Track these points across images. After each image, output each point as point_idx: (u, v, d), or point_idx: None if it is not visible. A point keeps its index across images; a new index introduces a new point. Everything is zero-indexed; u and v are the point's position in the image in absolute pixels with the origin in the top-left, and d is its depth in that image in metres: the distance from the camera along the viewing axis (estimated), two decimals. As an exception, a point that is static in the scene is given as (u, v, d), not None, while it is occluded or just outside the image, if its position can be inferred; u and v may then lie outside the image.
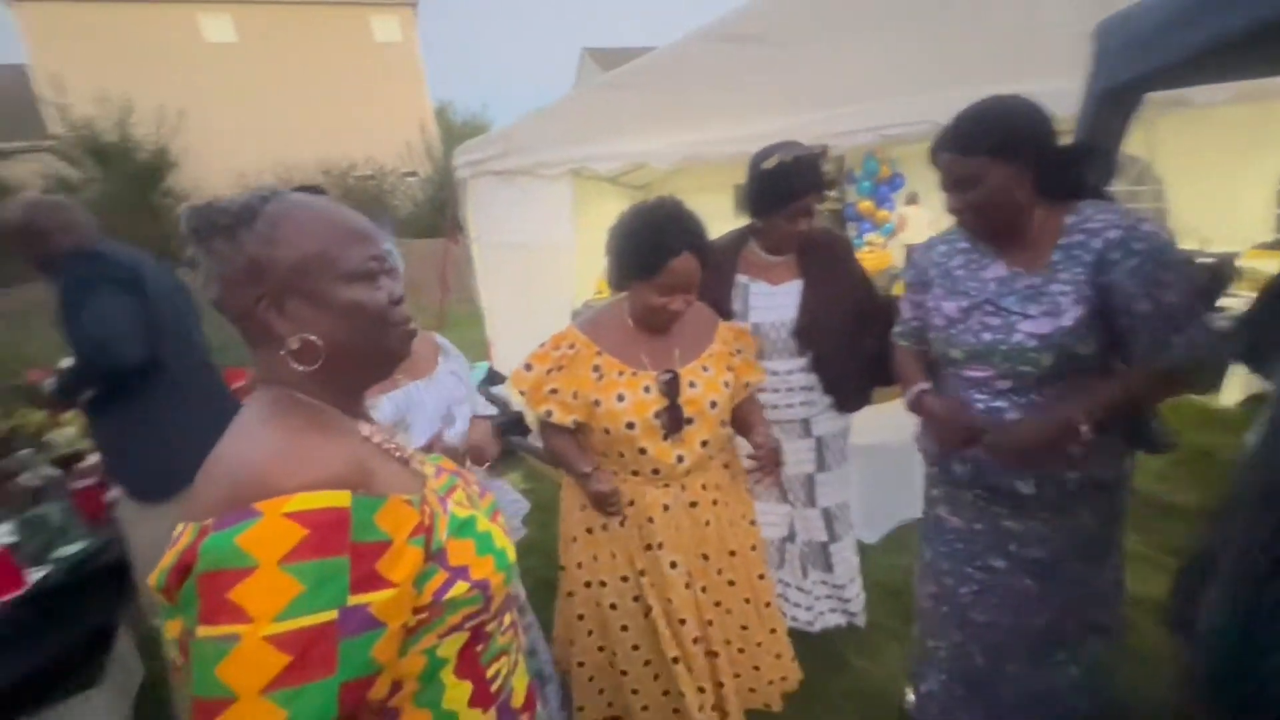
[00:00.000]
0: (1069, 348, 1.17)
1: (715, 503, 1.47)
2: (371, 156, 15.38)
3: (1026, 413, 1.24)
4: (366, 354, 0.68)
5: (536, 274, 3.49)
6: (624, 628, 1.46)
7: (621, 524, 1.42)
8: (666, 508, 1.41)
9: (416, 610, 0.61)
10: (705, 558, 1.46)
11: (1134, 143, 1.74)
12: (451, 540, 0.65)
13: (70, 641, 1.67)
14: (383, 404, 1.25)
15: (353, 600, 0.53)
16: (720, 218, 5.90)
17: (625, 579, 1.44)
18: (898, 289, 4.34)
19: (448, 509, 0.68)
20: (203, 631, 0.50)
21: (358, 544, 0.55)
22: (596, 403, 1.37)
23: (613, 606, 1.45)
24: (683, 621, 1.41)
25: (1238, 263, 3.55)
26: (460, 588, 0.64)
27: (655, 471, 1.40)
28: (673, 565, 1.41)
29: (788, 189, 1.63)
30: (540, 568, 2.30)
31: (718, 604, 1.49)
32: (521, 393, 1.44)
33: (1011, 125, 1.17)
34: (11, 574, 1.56)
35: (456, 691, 0.66)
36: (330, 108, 16.09)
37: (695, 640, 1.42)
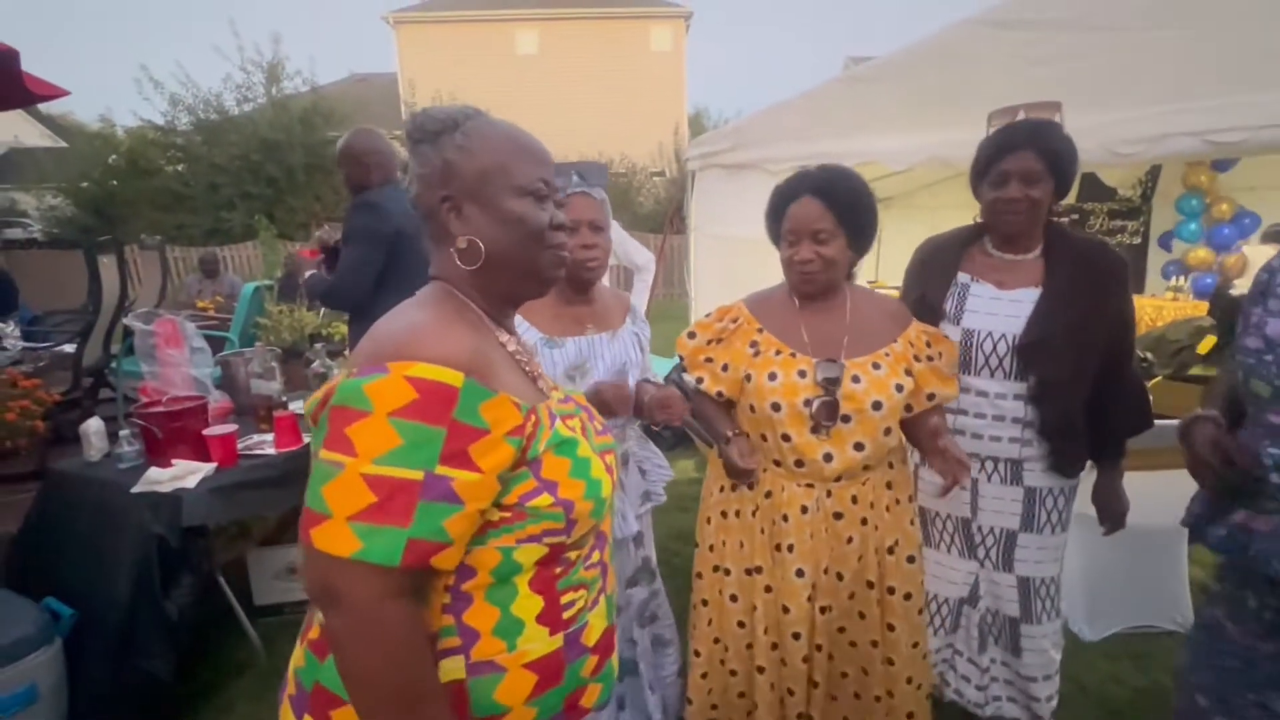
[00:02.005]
0: None
1: (864, 522, 1.33)
2: (627, 155, 16.79)
3: None
4: (520, 266, 0.75)
5: (747, 267, 3.42)
6: (740, 624, 1.39)
7: (754, 514, 1.36)
8: (805, 510, 1.31)
9: (501, 507, 0.66)
10: (840, 577, 1.33)
11: None
12: (548, 454, 0.69)
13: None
14: (568, 345, 1.34)
15: (440, 470, 0.59)
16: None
17: (749, 572, 1.37)
18: (1203, 346, 3.39)
19: (555, 426, 0.72)
20: (323, 454, 0.60)
21: (458, 422, 0.61)
22: (748, 377, 1.33)
23: (733, 598, 1.39)
24: (796, 636, 1.31)
25: None
26: (544, 499, 0.67)
27: (799, 464, 1.31)
28: (799, 573, 1.31)
29: (995, 145, 1.42)
30: (687, 552, 2.30)
31: (841, 630, 1.34)
32: (681, 357, 1.45)
33: None
34: (295, 434, 2.07)
35: (527, 603, 0.69)
36: (601, 110, 17.92)
37: (804, 660, 1.31)
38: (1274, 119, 1.95)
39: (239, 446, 1.98)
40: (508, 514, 0.66)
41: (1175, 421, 1.13)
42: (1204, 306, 5.33)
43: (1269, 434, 0.98)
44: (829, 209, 1.25)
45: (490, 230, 0.72)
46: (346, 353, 2.27)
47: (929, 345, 1.35)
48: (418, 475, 0.58)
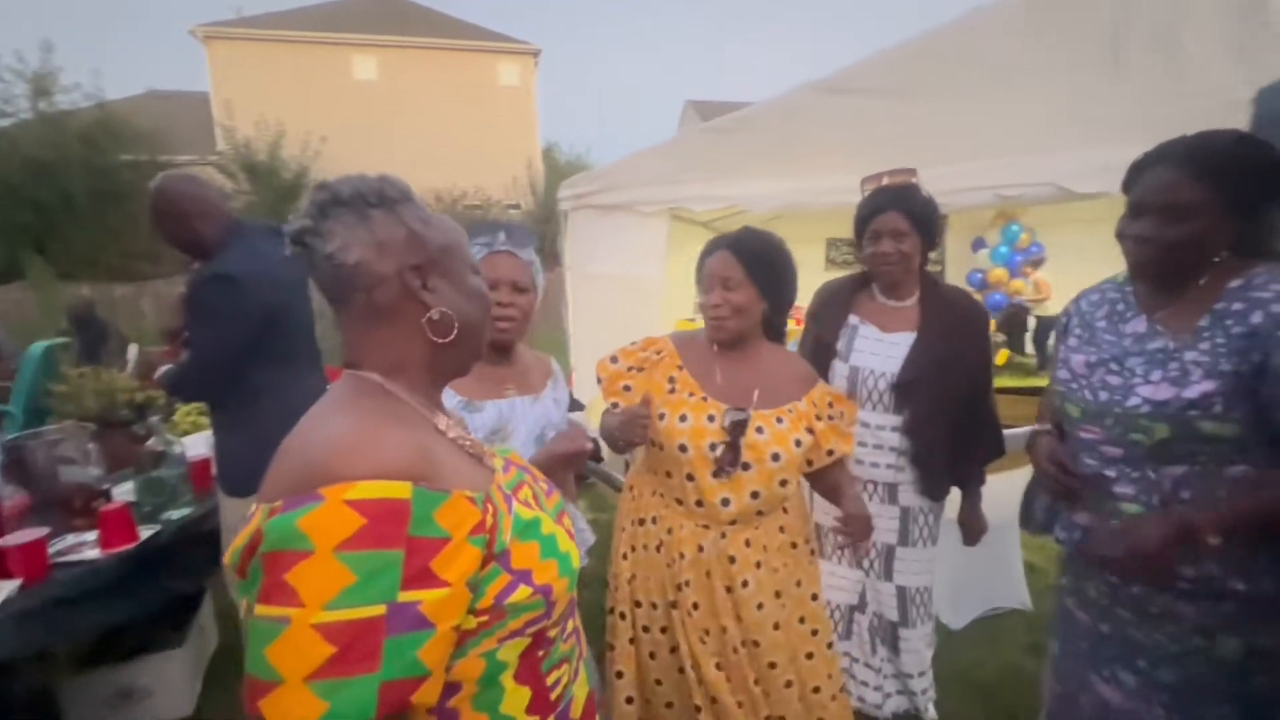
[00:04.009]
0: (1191, 424, 1.02)
1: (758, 565, 1.37)
2: (480, 188, 16.50)
3: (1138, 488, 1.10)
4: (479, 338, 0.75)
5: (624, 306, 3.55)
6: (651, 655, 1.40)
7: (659, 549, 1.39)
8: (701, 549, 1.35)
9: (477, 613, 0.60)
10: (739, 619, 1.36)
11: None
12: (515, 542, 0.64)
13: (165, 599, 1.79)
14: (487, 408, 1.27)
15: (403, 597, 0.53)
16: (812, 268, 5.87)
17: (656, 606, 1.39)
18: (1000, 358, 4.05)
19: (513, 509, 0.67)
20: (260, 610, 0.52)
21: (414, 538, 0.55)
22: (661, 415, 1.36)
23: (645, 629, 1.41)
24: (719, 666, 1.35)
25: None
26: (523, 592, 0.63)
27: (699, 504, 1.35)
28: (694, 607, 1.35)
29: (869, 207, 1.63)
30: (601, 599, 2.26)
31: (728, 677, 1.37)
32: (599, 379, 1.46)
33: (1263, 171, 1.01)
34: (128, 528, 1.72)
35: (515, 697, 0.64)
36: (449, 142, 17.46)
37: (713, 701, 1.35)
38: (1047, 178, 2.44)
39: (50, 554, 1.61)
40: (485, 618, 0.61)
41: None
42: (992, 323, 6.43)
43: (1083, 447, 1.19)
44: (739, 260, 1.34)
45: (458, 303, 0.71)
46: (212, 441, 1.88)
47: (831, 405, 1.44)
48: (379, 611, 0.52)
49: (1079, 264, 2.20)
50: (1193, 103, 2.21)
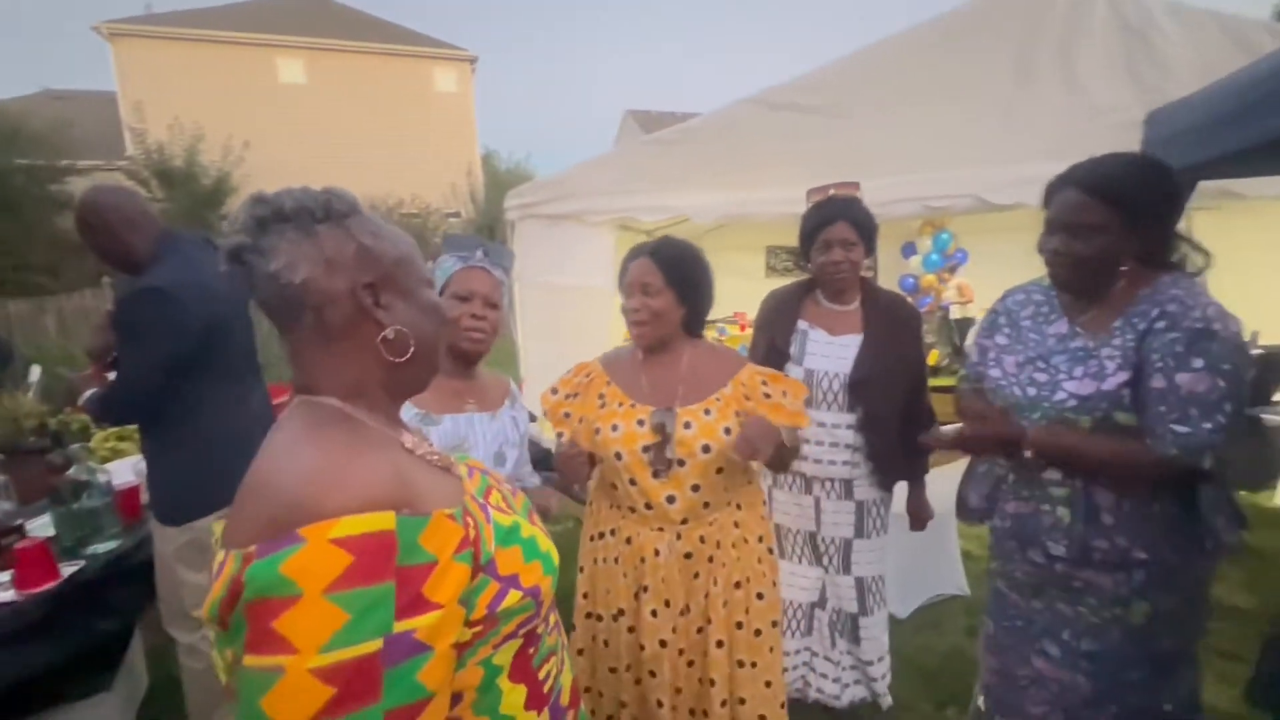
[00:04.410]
0: (1109, 414, 1.15)
1: (711, 560, 1.39)
2: (418, 196, 16.08)
3: (1062, 474, 1.22)
4: (434, 354, 0.73)
5: (573, 316, 3.56)
6: (611, 669, 1.42)
7: (617, 560, 1.41)
8: (658, 552, 1.38)
9: (471, 625, 0.60)
10: (687, 610, 1.39)
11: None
12: (499, 550, 0.64)
13: (92, 640, 1.67)
14: (445, 422, 1.26)
15: (398, 627, 0.52)
16: (752, 275, 6.04)
17: (616, 617, 1.41)
18: (931, 358, 4.26)
19: (490, 517, 0.67)
20: (249, 661, 0.50)
21: (403, 568, 0.54)
22: (596, 430, 1.40)
23: (605, 643, 1.42)
24: (652, 674, 1.36)
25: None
26: (513, 597, 0.63)
27: (648, 507, 1.38)
28: (653, 614, 1.37)
29: (819, 218, 1.72)
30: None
31: (690, 664, 1.40)
32: (545, 413, 1.49)
33: (1156, 189, 1.12)
34: (47, 565, 1.59)
35: (513, 696, 0.65)
36: (385, 148, 16.95)
37: (659, 704, 1.37)
38: (968, 190, 2.62)
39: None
40: (479, 628, 0.61)
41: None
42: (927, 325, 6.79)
43: None
44: (658, 267, 1.39)
45: (413, 319, 0.68)
46: (142, 467, 1.75)
47: (765, 384, 1.46)
48: (376, 646, 0.51)
49: (1000, 269, 2.38)
50: (1092, 122, 2.44)
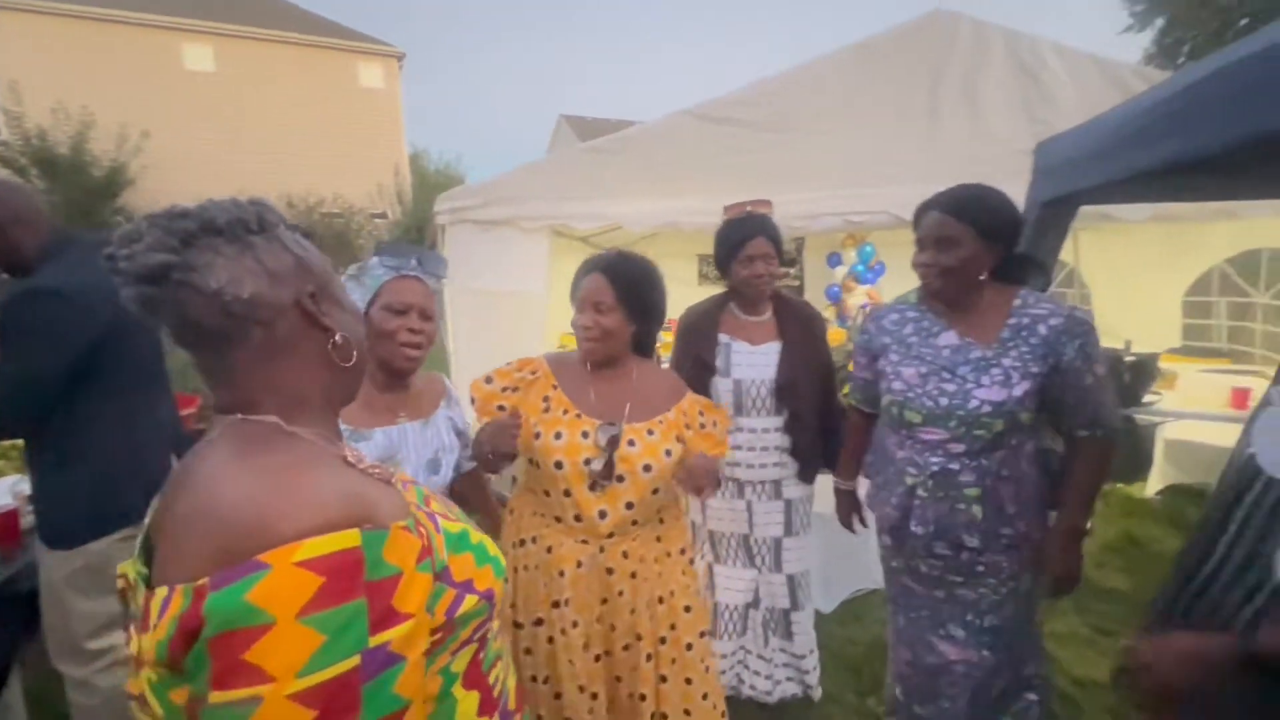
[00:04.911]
0: (1015, 415, 1.31)
1: (634, 575, 1.40)
2: (341, 194, 15.37)
3: (977, 475, 1.34)
4: (366, 360, 0.73)
5: (506, 322, 3.52)
6: (533, 678, 1.40)
7: (536, 569, 1.40)
8: (580, 564, 1.38)
9: (432, 632, 0.60)
10: (613, 628, 1.39)
11: (1064, 249, 1.96)
12: (452, 557, 0.65)
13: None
14: (376, 436, 1.21)
15: (373, 641, 0.52)
16: (685, 282, 6.17)
17: (536, 624, 1.40)
18: (851, 365, 4.50)
19: (439, 525, 0.67)
20: (218, 697, 0.48)
21: (373, 583, 0.53)
22: (537, 434, 1.38)
23: (527, 652, 1.41)
24: (581, 689, 1.35)
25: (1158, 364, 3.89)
26: (470, 601, 0.63)
27: (577, 519, 1.38)
28: (574, 624, 1.36)
29: (740, 234, 1.80)
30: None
31: (618, 679, 1.41)
32: (473, 400, 1.45)
33: (1001, 212, 1.35)
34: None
35: (467, 703, 0.65)
36: (304, 144, 16.13)
37: (589, 712, 1.37)
38: (884, 207, 2.79)
39: None
40: (439, 635, 0.60)
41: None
42: (842, 334, 7.16)
43: (928, 447, 1.40)
44: (611, 285, 1.39)
45: (349, 324, 0.69)
46: (22, 487, 1.58)
47: (702, 414, 1.52)
48: (354, 663, 0.50)
49: (912, 278, 2.59)
50: (990, 149, 2.67)
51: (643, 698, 1.39)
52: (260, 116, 15.84)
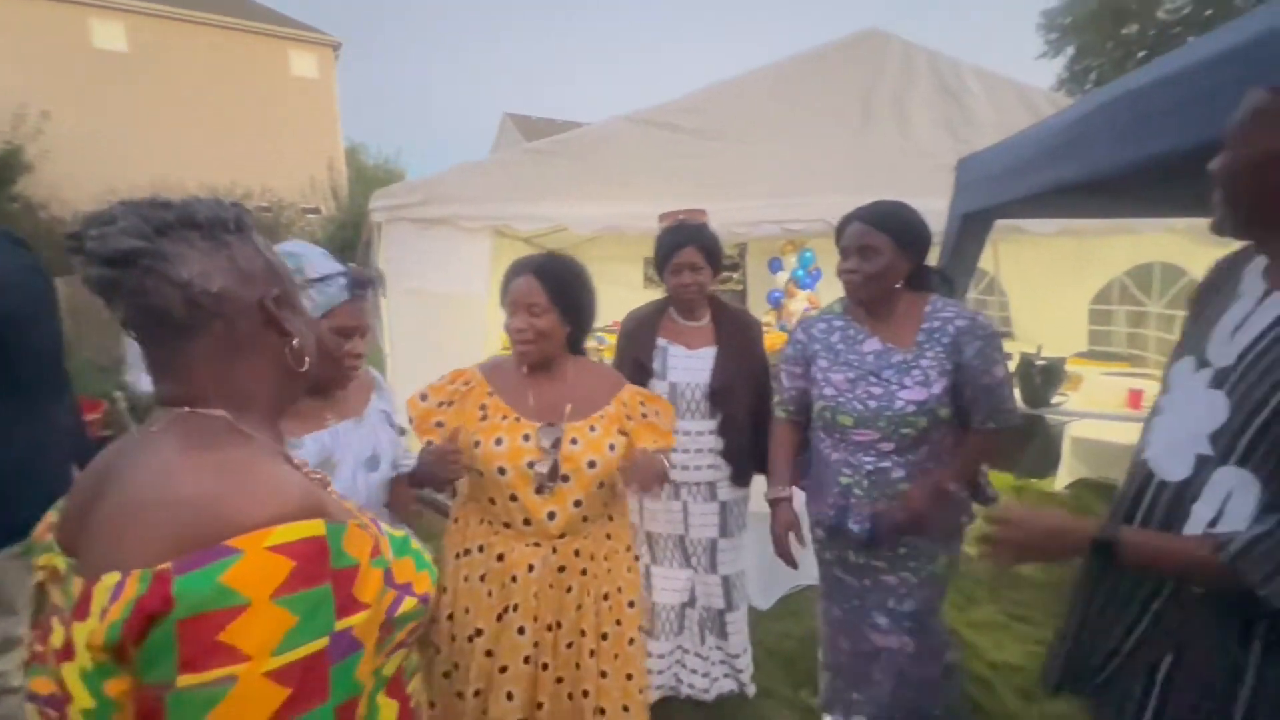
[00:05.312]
0: (935, 413, 1.41)
1: (584, 572, 1.40)
2: (270, 188, 14.60)
3: (908, 471, 1.43)
4: (316, 364, 0.74)
5: (447, 324, 3.45)
6: (459, 694, 1.37)
7: (482, 579, 1.38)
8: (532, 568, 1.36)
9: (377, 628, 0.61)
10: (559, 625, 1.39)
11: (984, 259, 2.09)
12: (395, 560, 0.67)
13: None
14: (307, 444, 1.16)
15: (339, 625, 0.54)
16: (630, 286, 6.21)
17: (472, 639, 1.37)
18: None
19: (383, 529, 0.69)
20: (186, 680, 0.48)
21: (336, 570, 0.56)
22: (476, 443, 1.37)
23: (456, 666, 1.39)
24: (510, 696, 1.34)
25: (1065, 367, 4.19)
26: (409, 603, 0.65)
27: (526, 523, 1.38)
28: (520, 630, 1.35)
29: (670, 244, 1.84)
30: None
31: (559, 680, 1.41)
32: (411, 419, 1.42)
33: (914, 225, 1.46)
34: None
35: (388, 712, 0.66)
36: (229, 133, 15.28)
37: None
38: (820, 215, 2.90)
39: None
40: (379, 633, 0.62)
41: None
42: (783, 337, 7.38)
43: (860, 448, 1.48)
44: (543, 287, 1.39)
45: (305, 331, 0.71)
46: None
47: (643, 404, 1.53)
48: (324, 643, 0.53)
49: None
50: (916, 163, 2.82)
51: (585, 694, 1.39)
52: (179, 103, 14.90)
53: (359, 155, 19.78)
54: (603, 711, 1.40)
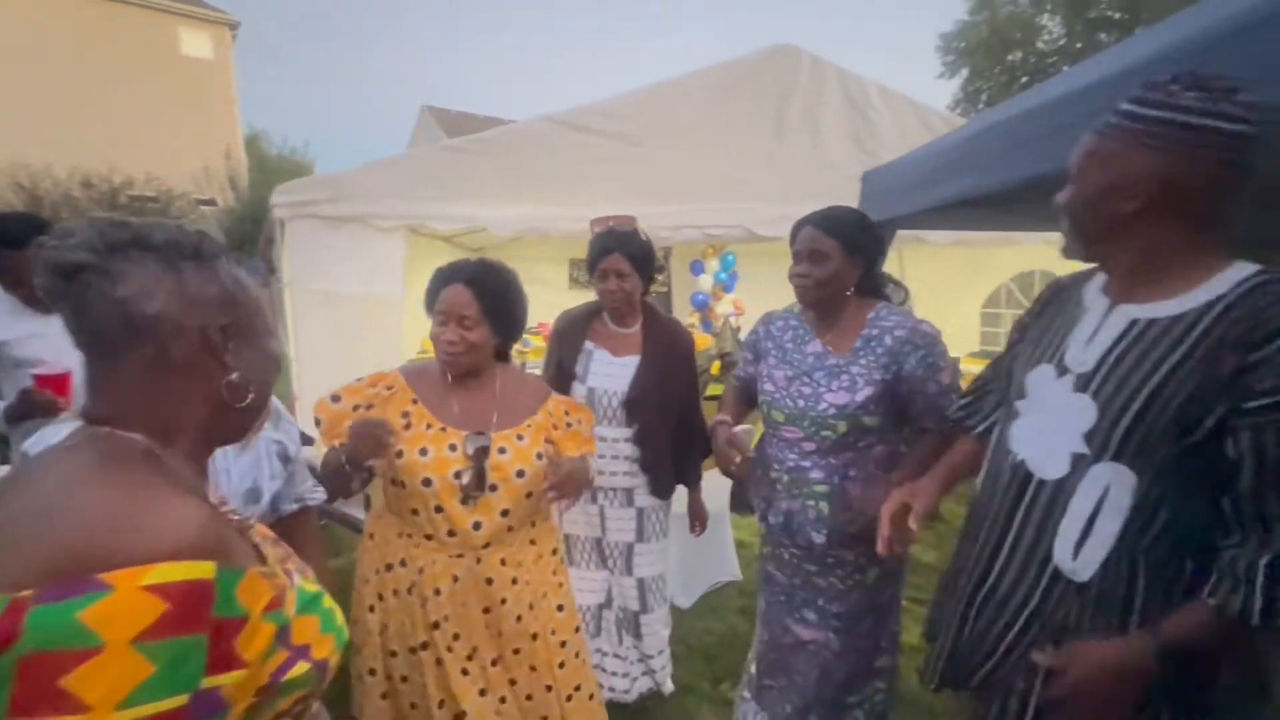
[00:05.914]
0: (858, 419, 1.44)
1: (514, 581, 1.39)
2: (156, 176, 13.33)
3: (825, 473, 1.47)
4: (265, 405, 0.72)
5: (359, 327, 3.27)
6: (413, 705, 1.34)
7: (410, 591, 1.33)
8: (456, 579, 1.33)
9: (255, 692, 0.55)
10: (500, 634, 1.37)
11: (891, 266, 2.22)
12: (297, 617, 0.61)
13: None
14: None
15: (206, 682, 0.49)
16: (555, 287, 6.15)
17: (414, 650, 1.34)
18: (714, 368, 4.72)
19: (295, 581, 0.63)
20: None
21: (218, 619, 0.51)
22: (399, 453, 1.31)
23: (404, 679, 1.35)
24: (441, 704, 1.32)
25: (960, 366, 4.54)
26: (300, 668, 0.59)
27: (451, 534, 1.34)
28: (455, 638, 1.33)
29: (598, 249, 1.84)
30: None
31: (512, 682, 1.40)
32: (318, 421, 1.33)
33: (865, 232, 1.49)
34: None
35: None
36: (107, 116, 13.85)
37: None
38: (739, 222, 3.00)
39: None
40: (257, 698, 0.56)
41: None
42: (708, 339, 7.54)
43: (787, 444, 1.53)
44: (477, 299, 1.34)
45: (257, 367, 0.68)
46: None
47: (568, 414, 1.52)
48: (182, 701, 0.47)
49: (765, 288, 2.82)
50: (826, 173, 2.96)
51: (548, 688, 1.39)
52: (48, 80, 13.37)
53: (261, 143, 18.50)
54: (577, 688, 1.43)
